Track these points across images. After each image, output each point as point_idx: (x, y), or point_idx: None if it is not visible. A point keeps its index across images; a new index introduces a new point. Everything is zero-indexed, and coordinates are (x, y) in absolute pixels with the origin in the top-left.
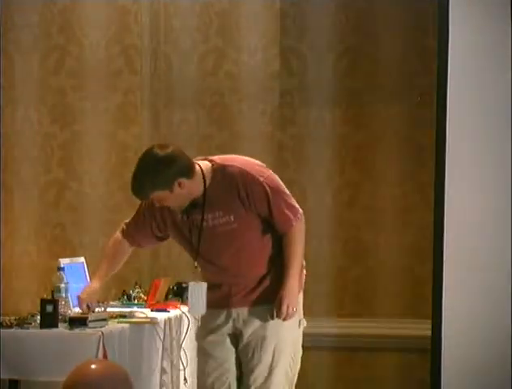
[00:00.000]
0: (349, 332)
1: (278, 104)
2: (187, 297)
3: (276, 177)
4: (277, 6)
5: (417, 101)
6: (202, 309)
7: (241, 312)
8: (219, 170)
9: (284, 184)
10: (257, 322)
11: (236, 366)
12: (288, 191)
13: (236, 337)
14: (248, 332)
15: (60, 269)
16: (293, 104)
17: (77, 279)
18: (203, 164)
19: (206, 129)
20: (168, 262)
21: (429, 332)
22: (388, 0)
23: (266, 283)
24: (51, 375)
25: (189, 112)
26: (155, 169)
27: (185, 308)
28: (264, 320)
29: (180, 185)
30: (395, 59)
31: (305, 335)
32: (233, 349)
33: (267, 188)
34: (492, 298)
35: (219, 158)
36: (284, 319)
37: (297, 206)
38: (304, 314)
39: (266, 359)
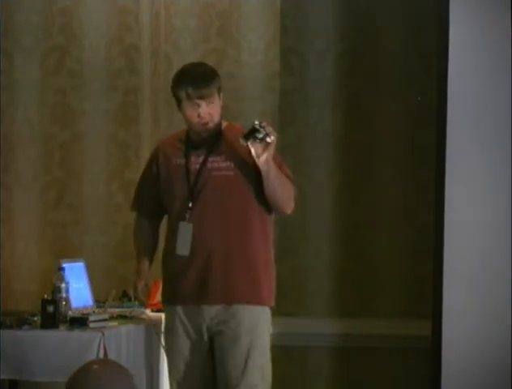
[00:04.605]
0: (349, 332)
1: (278, 104)
2: None
3: None
4: (277, 6)
5: (417, 101)
6: (186, 250)
7: (217, 310)
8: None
9: None
10: (232, 321)
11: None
12: None
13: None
14: (224, 330)
15: (60, 269)
16: (293, 104)
17: (77, 280)
18: None
19: None
20: None
21: (429, 332)
22: (388, 0)
23: (247, 276)
24: (51, 375)
25: None
26: (215, 70)
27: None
28: (240, 318)
29: (220, 96)
30: (395, 59)
31: (305, 334)
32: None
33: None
34: (493, 298)
35: None
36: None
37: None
38: (304, 313)
39: (240, 358)
